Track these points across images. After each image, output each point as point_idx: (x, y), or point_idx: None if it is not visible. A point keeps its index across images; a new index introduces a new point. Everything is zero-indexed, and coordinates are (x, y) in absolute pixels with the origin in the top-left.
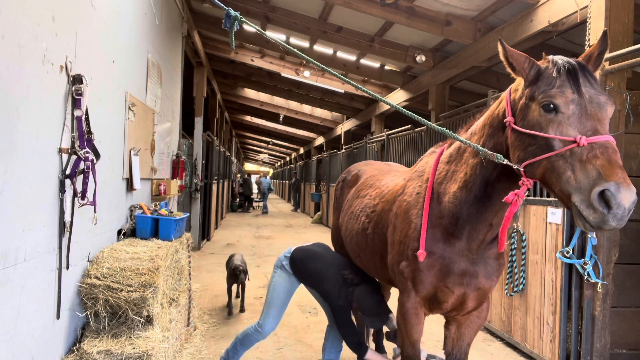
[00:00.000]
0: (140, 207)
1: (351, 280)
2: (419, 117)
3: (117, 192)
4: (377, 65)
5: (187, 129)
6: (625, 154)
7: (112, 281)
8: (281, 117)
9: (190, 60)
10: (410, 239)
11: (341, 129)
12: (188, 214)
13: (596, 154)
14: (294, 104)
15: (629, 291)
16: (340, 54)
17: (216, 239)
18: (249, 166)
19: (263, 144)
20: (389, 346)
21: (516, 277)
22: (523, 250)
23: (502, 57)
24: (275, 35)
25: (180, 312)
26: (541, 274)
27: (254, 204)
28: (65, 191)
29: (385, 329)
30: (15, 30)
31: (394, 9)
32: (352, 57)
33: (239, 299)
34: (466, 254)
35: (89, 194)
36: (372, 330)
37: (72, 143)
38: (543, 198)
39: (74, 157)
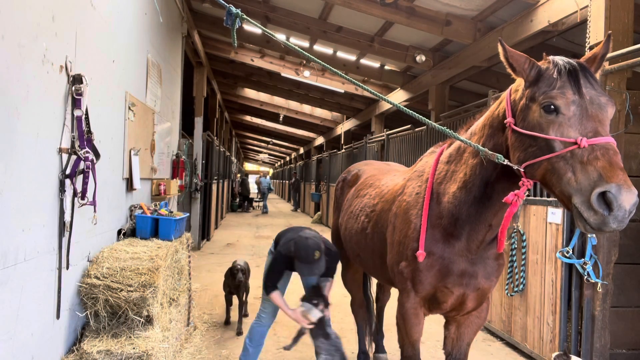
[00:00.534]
0: (140, 207)
1: (305, 235)
2: (420, 116)
3: (117, 192)
4: (377, 65)
5: (187, 129)
6: (625, 154)
7: (112, 281)
8: (281, 117)
9: (190, 60)
10: (410, 239)
11: (341, 129)
12: (188, 214)
13: (597, 156)
14: (294, 104)
15: (629, 291)
16: (340, 54)
17: (216, 239)
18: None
19: (263, 144)
20: (389, 346)
21: (516, 277)
22: (523, 250)
23: (502, 58)
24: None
25: (180, 312)
26: (541, 274)
27: (254, 204)
28: (65, 191)
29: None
30: (15, 30)
31: (394, 8)
32: (352, 57)
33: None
34: (465, 255)
35: (89, 194)
36: (373, 329)
37: (72, 143)
38: (543, 198)
39: (74, 157)
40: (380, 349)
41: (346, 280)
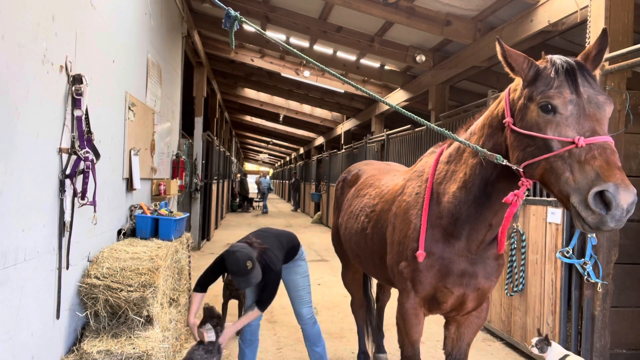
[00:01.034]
0: (140, 207)
1: (233, 249)
2: (418, 117)
3: (117, 192)
4: (377, 65)
5: (187, 129)
6: (625, 154)
7: (112, 281)
8: (281, 117)
9: (190, 60)
10: (410, 239)
11: (341, 129)
12: (188, 214)
13: (594, 155)
14: (294, 104)
15: (629, 291)
16: (340, 54)
17: (216, 239)
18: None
19: (263, 144)
20: (389, 346)
21: (516, 277)
22: (523, 250)
23: (500, 57)
24: (275, 35)
25: (180, 312)
26: (541, 274)
27: (254, 204)
28: (65, 191)
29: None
30: (15, 30)
31: (394, 9)
32: (352, 57)
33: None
34: (465, 255)
35: (89, 194)
36: (372, 329)
37: (72, 143)
38: (543, 198)
39: (74, 157)
40: (380, 349)
41: (346, 280)
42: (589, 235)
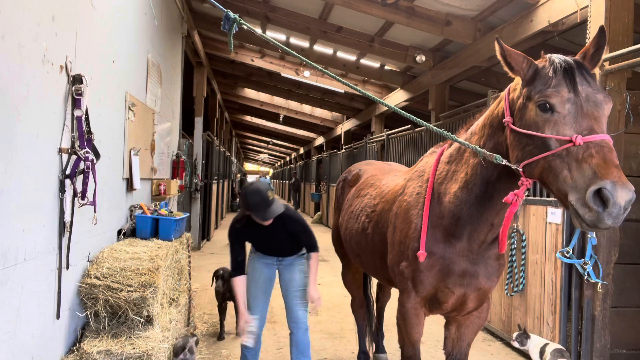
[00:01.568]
0: (140, 207)
1: (249, 184)
2: (417, 118)
3: (117, 192)
4: (377, 65)
5: (187, 129)
6: (625, 154)
7: (112, 281)
8: (281, 117)
9: (190, 60)
10: (411, 239)
11: (341, 129)
12: (188, 214)
13: (592, 153)
14: (294, 104)
15: (629, 291)
16: (340, 54)
17: (216, 239)
18: (249, 166)
19: (263, 144)
20: (389, 346)
21: (516, 277)
22: (523, 250)
23: (499, 57)
24: (276, 35)
25: (180, 312)
26: (541, 274)
27: None
28: (65, 191)
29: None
30: (15, 30)
31: (394, 9)
32: (352, 57)
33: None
34: (467, 255)
35: (89, 194)
36: (372, 329)
37: (72, 143)
38: (543, 198)
39: (74, 157)
40: (380, 349)
41: (346, 280)
42: (589, 235)
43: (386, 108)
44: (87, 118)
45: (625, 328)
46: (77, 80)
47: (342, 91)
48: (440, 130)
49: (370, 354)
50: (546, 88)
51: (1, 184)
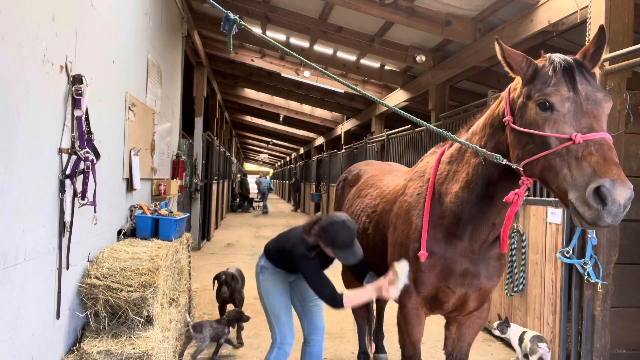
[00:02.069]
0: (140, 207)
1: (312, 224)
2: (417, 119)
3: (117, 192)
4: (377, 65)
5: (187, 129)
6: (625, 154)
7: (112, 281)
8: (281, 117)
9: (190, 60)
10: (411, 239)
11: (341, 129)
12: (188, 214)
13: (591, 151)
14: (294, 104)
15: (629, 291)
16: (340, 54)
17: (216, 239)
18: (249, 166)
19: (263, 144)
20: (389, 346)
21: (516, 277)
22: (523, 250)
23: (499, 57)
24: (276, 36)
25: (180, 312)
26: (541, 274)
27: (254, 204)
28: (65, 191)
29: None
30: (15, 30)
31: (394, 9)
32: (352, 57)
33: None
34: (468, 255)
35: (89, 194)
36: (372, 329)
37: (72, 143)
38: (543, 198)
39: (74, 157)
40: (380, 349)
41: (346, 280)
42: (589, 235)
43: (386, 108)
44: (87, 118)
45: (625, 328)
46: (77, 80)
47: (342, 91)
48: (441, 130)
49: (370, 354)
50: (546, 87)
51: (1, 184)
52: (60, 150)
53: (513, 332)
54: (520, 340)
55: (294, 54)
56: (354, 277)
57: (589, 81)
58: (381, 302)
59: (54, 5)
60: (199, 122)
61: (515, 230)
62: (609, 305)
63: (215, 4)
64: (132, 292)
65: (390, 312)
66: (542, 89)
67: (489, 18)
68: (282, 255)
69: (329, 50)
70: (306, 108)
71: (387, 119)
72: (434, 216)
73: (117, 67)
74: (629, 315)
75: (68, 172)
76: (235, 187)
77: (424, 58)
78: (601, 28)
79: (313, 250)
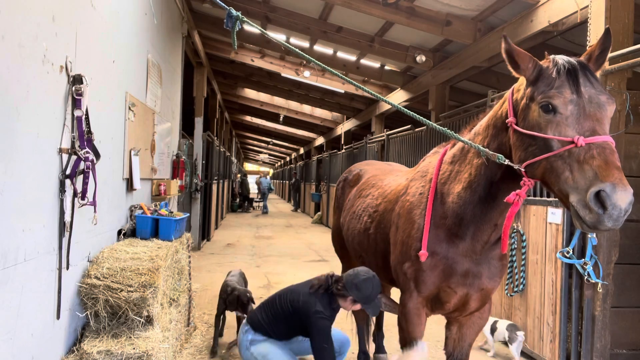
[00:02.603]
0: (140, 207)
1: (323, 282)
2: (421, 117)
3: (117, 192)
4: (377, 65)
5: (187, 129)
6: (625, 154)
7: (112, 281)
8: (281, 117)
9: (190, 60)
10: (413, 239)
11: (341, 129)
12: (188, 214)
13: (593, 155)
14: (294, 104)
15: (629, 291)
16: (340, 54)
17: (216, 239)
18: (249, 166)
19: (263, 144)
20: (389, 346)
21: (516, 277)
22: (523, 251)
23: (505, 54)
24: (276, 36)
25: (181, 312)
26: (541, 274)
27: (254, 204)
28: (65, 191)
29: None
30: (15, 31)
31: (394, 9)
32: (352, 57)
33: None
34: (470, 255)
35: (89, 194)
36: (372, 330)
37: (72, 143)
38: (543, 198)
39: (74, 157)
40: (380, 349)
41: None
42: (589, 236)
43: (386, 108)
44: (87, 118)
45: (625, 328)
46: (77, 80)
47: (342, 91)
48: (444, 129)
49: (371, 354)
50: (549, 89)
51: (1, 183)
52: (61, 150)
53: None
54: (493, 329)
55: (297, 50)
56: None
57: (592, 84)
58: None
59: (54, 5)
60: (199, 122)
61: (515, 231)
62: (609, 305)
63: (217, 1)
64: (132, 292)
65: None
66: (546, 91)
67: (489, 18)
68: (284, 319)
69: (329, 51)
70: (306, 108)
71: (387, 119)
72: (436, 216)
73: (117, 67)
74: (629, 315)
75: (68, 172)
76: (235, 187)
77: (424, 58)
78: (607, 31)
79: (328, 310)
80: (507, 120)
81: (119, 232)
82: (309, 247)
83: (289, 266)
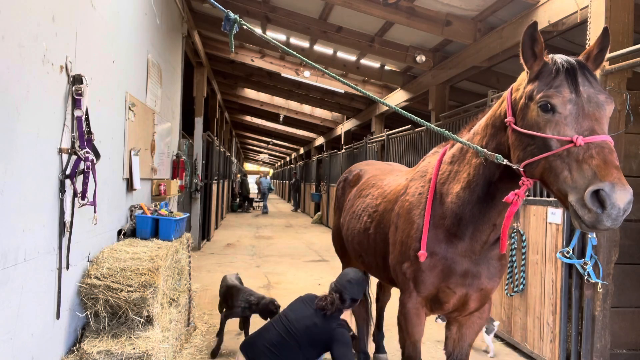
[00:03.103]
0: (140, 207)
1: (334, 308)
2: (418, 118)
3: (117, 192)
4: (377, 65)
5: (187, 129)
6: (625, 154)
7: (112, 281)
8: (281, 117)
9: (190, 60)
10: (413, 239)
11: (341, 129)
12: (188, 214)
13: (592, 154)
14: (294, 104)
15: (629, 291)
16: (341, 54)
17: (216, 239)
18: (249, 166)
19: (263, 144)
20: (389, 346)
21: (516, 277)
22: (523, 251)
23: (527, 39)
24: (276, 36)
25: (181, 312)
26: (541, 274)
27: (254, 204)
28: (65, 191)
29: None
30: (15, 31)
31: (394, 9)
32: (352, 57)
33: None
34: (469, 255)
35: (89, 194)
36: (372, 330)
37: (72, 143)
38: (543, 198)
39: (74, 157)
40: (380, 349)
41: None
42: (589, 236)
43: (386, 108)
44: (87, 118)
45: (625, 328)
46: (77, 80)
47: (342, 91)
48: (442, 130)
49: (371, 354)
50: (548, 88)
51: (1, 184)
52: (61, 150)
53: None
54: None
55: (295, 53)
56: None
57: (591, 83)
58: (381, 303)
59: (54, 5)
60: (199, 122)
61: (515, 231)
62: (609, 305)
63: (216, 3)
64: (132, 292)
65: (391, 312)
66: (544, 90)
67: (489, 18)
68: (299, 349)
69: (329, 51)
70: (306, 108)
71: (387, 119)
72: (435, 216)
73: (117, 67)
74: (629, 315)
75: (68, 172)
76: (235, 187)
77: (424, 58)
78: (605, 30)
79: (339, 320)
80: (505, 120)
81: (119, 232)
82: (309, 247)
83: (289, 266)
